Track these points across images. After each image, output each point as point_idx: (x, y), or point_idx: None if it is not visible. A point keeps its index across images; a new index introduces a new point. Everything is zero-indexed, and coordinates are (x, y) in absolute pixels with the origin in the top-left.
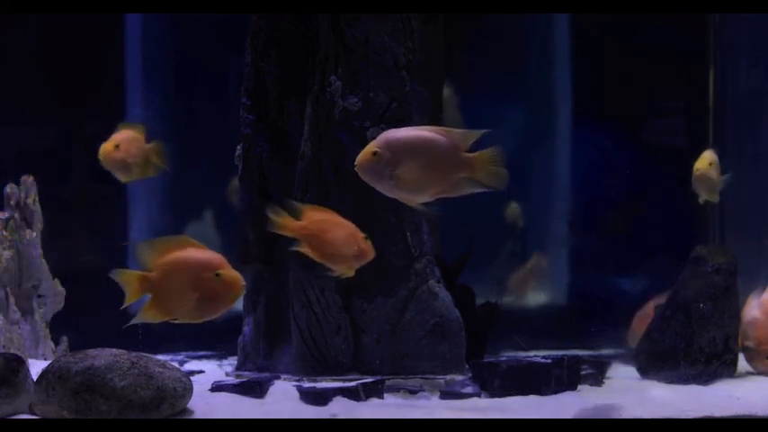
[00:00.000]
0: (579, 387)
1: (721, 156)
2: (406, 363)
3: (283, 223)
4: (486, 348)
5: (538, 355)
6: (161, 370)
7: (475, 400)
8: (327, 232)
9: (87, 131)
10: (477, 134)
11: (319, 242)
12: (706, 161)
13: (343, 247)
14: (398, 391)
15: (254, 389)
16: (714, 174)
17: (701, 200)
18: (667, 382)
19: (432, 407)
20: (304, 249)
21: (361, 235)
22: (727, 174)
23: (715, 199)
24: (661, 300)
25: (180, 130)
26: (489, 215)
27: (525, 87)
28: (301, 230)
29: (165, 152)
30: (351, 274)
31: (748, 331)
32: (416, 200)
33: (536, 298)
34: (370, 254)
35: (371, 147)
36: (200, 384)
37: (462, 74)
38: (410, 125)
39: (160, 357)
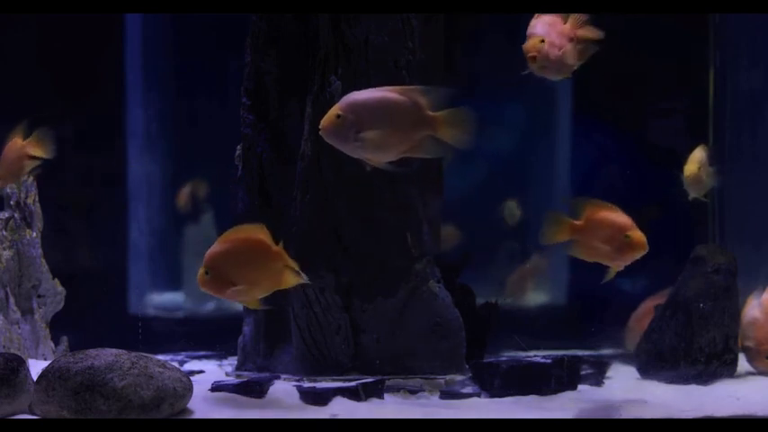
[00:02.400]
0: (579, 387)
1: (721, 156)
2: (406, 363)
3: (562, 227)
4: (486, 348)
5: (538, 355)
6: (161, 370)
7: (475, 400)
8: (600, 230)
9: (87, 131)
10: (439, 91)
11: (593, 241)
12: (696, 164)
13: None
14: (398, 391)
15: (254, 389)
16: (704, 175)
17: (690, 197)
18: (667, 382)
19: (432, 407)
20: (577, 252)
21: (629, 229)
22: (716, 170)
23: (703, 196)
24: (657, 300)
25: (180, 130)
26: (489, 215)
27: (525, 87)
28: (579, 231)
29: (48, 140)
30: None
31: (748, 331)
32: (382, 160)
33: (536, 298)
34: (638, 249)
35: (335, 110)
36: (200, 384)
37: (461, 73)
38: None
39: (160, 357)
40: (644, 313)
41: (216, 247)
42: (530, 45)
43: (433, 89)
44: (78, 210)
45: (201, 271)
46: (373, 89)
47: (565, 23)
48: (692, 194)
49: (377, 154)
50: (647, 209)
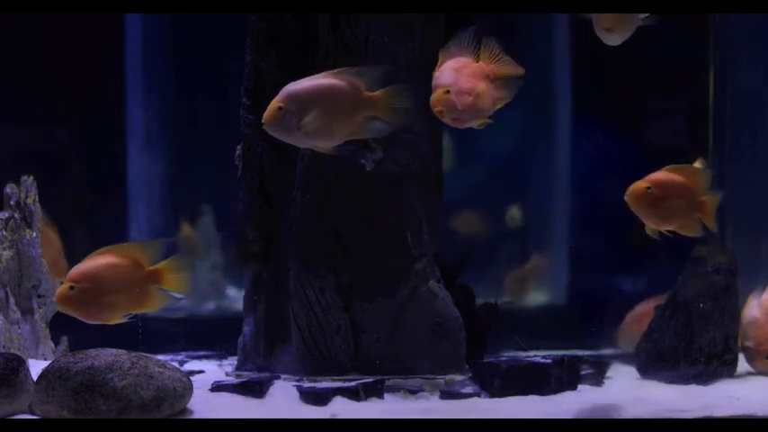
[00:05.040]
0: (579, 387)
1: (721, 156)
2: (406, 363)
3: None
4: (486, 348)
5: (538, 355)
6: (161, 370)
7: (475, 400)
8: None
9: (87, 131)
10: (375, 71)
11: None
12: None
13: None
14: (398, 391)
15: (254, 389)
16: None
17: None
18: (667, 382)
19: (432, 407)
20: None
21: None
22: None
23: None
24: (654, 301)
25: (180, 130)
26: (489, 215)
27: (524, 87)
28: None
29: None
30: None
31: (748, 331)
32: (327, 145)
33: (536, 298)
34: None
35: (275, 103)
36: (201, 384)
37: None
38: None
39: (160, 357)
40: (641, 314)
41: (83, 264)
42: (434, 99)
43: (368, 69)
44: (78, 210)
45: (65, 287)
46: (310, 77)
47: (478, 61)
48: None
49: (322, 140)
50: None
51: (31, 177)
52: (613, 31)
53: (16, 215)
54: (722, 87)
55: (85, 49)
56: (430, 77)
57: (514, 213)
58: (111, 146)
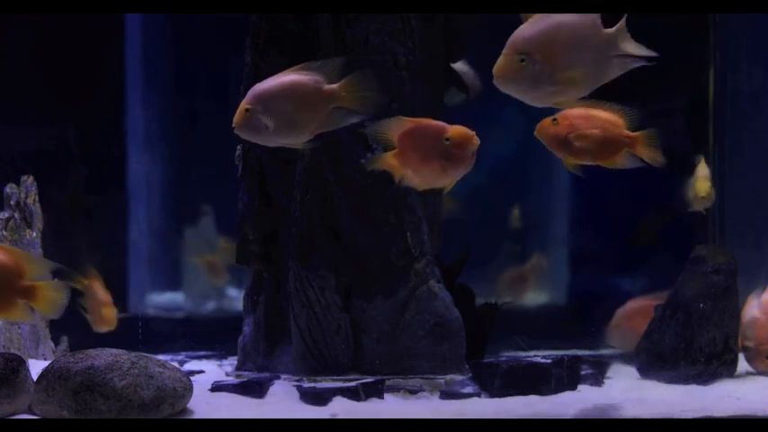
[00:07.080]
0: (579, 387)
1: (721, 156)
2: (406, 363)
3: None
4: (486, 348)
5: (538, 355)
6: (161, 370)
7: (475, 400)
8: None
9: (87, 131)
10: (335, 62)
11: None
12: (708, 181)
13: None
14: (398, 391)
15: (254, 389)
16: (713, 194)
17: (690, 209)
18: (667, 382)
19: (432, 407)
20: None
21: None
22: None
23: (703, 210)
24: (645, 299)
25: (180, 130)
26: (489, 215)
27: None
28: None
29: None
30: None
31: (748, 331)
32: (298, 141)
33: (536, 298)
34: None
35: (242, 105)
36: (200, 384)
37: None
38: None
39: (160, 357)
40: (631, 311)
41: None
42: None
43: (329, 62)
44: (79, 210)
45: None
46: (275, 75)
47: None
48: (698, 208)
49: (292, 137)
50: (662, 214)
51: (31, 177)
52: (500, 79)
53: (16, 215)
54: (722, 87)
55: (86, 49)
56: (429, 77)
57: (514, 213)
58: (111, 146)
